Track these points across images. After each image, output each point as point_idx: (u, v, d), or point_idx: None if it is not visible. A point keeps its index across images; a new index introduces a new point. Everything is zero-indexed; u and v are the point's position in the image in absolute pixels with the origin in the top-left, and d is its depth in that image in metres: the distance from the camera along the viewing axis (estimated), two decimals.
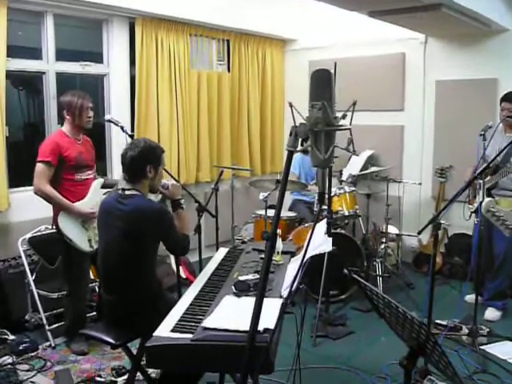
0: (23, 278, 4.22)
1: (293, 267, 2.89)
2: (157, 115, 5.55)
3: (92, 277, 4.33)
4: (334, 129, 1.47)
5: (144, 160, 2.86)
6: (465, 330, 4.11)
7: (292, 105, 1.59)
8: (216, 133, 6.28)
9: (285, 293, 2.49)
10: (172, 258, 5.21)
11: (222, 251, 3.36)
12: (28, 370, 3.59)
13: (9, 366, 3.61)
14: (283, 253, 3.11)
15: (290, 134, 1.51)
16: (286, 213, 5.65)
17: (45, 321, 4.07)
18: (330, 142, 1.49)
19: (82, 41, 5.70)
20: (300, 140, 1.58)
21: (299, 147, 1.65)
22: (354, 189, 5.25)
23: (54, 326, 4.10)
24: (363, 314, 4.63)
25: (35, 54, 4.81)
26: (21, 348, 3.84)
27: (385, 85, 6.11)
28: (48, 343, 4.00)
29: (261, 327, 2.07)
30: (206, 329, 2.12)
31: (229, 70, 6.41)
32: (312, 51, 6.75)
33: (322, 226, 3.09)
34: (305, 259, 2.52)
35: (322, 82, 1.48)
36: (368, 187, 5.56)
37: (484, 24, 4.95)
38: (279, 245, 3.00)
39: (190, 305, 2.46)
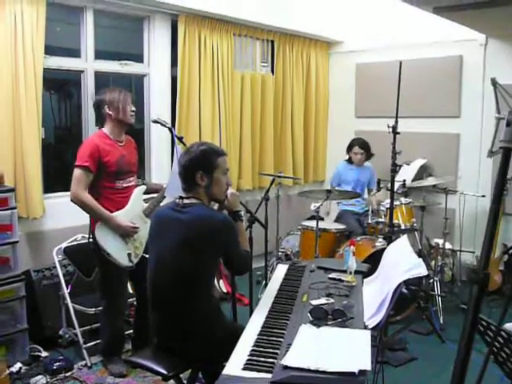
0: (57, 291, 3.92)
1: (369, 290, 2.52)
2: (199, 119, 5.21)
3: (130, 291, 4.01)
4: None
5: (193, 167, 2.56)
6: None
7: (496, 81, 1.19)
8: (259, 138, 5.92)
9: (370, 322, 2.13)
10: None
11: (282, 268, 3.00)
12: None
13: None
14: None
15: (508, 125, 1.11)
16: (333, 225, 5.26)
17: (80, 338, 3.76)
18: None
19: (121, 42, 5.42)
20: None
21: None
22: (410, 200, 4.85)
23: (90, 343, 3.77)
24: (424, 338, 4.23)
25: (73, 53, 4.55)
26: (55, 367, 3.53)
27: (439, 90, 5.70)
28: (84, 362, 3.69)
29: (355, 368, 1.72)
30: (287, 368, 1.76)
31: (272, 73, 6.08)
32: (359, 54, 6.42)
33: (400, 243, 2.72)
34: (395, 285, 2.18)
35: None
36: (423, 199, 5.13)
37: None
38: (353, 264, 2.63)
39: (259, 335, 2.09)
